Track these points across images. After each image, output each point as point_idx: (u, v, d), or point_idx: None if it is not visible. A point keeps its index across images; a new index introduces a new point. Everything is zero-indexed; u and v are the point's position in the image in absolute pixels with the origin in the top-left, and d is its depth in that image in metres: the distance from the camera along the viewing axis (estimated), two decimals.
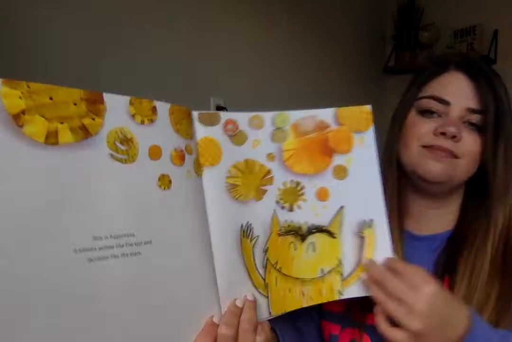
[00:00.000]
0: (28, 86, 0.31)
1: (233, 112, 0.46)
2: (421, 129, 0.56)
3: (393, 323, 0.44)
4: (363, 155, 0.48)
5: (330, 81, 2.08)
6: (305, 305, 0.47)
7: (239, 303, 0.45)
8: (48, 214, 0.32)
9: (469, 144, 0.54)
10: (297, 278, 0.47)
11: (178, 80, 1.41)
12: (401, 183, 0.62)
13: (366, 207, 0.47)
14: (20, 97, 0.31)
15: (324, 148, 0.47)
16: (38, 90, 0.32)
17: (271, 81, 1.76)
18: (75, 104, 0.34)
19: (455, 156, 0.55)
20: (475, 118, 0.55)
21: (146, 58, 1.32)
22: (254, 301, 0.46)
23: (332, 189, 0.47)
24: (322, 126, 0.47)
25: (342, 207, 0.47)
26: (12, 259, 0.29)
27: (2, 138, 0.29)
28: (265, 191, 0.46)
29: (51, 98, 0.33)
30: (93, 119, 0.35)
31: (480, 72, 0.56)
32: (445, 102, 0.56)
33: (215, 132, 0.44)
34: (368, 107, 0.49)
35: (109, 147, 0.36)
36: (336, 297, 0.47)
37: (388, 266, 0.46)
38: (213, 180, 0.44)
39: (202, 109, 0.45)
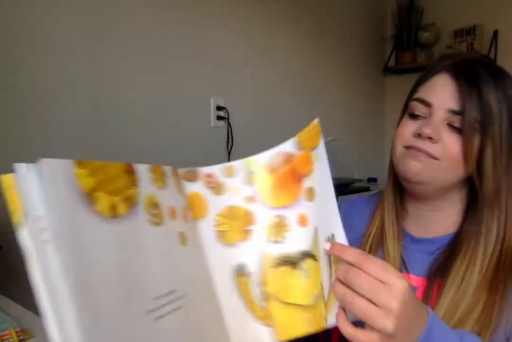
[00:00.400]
0: (92, 165, 0.34)
1: (209, 167, 0.49)
2: (405, 131, 0.57)
3: (355, 324, 0.40)
4: (321, 170, 0.48)
5: (330, 81, 2.08)
6: (309, 330, 0.46)
7: None
8: (121, 279, 0.35)
9: (449, 146, 0.54)
10: (298, 305, 0.47)
11: (178, 80, 1.41)
12: (400, 186, 0.62)
13: (329, 222, 0.48)
14: (87, 176, 0.34)
15: (294, 177, 0.48)
16: (99, 167, 0.35)
17: (271, 81, 1.76)
18: (121, 177, 0.38)
19: (434, 158, 0.54)
20: (458, 120, 0.54)
21: (146, 58, 1.32)
22: None
23: (308, 213, 0.48)
24: (289, 157, 0.48)
25: (316, 228, 0.48)
26: (96, 327, 0.31)
27: (80, 217, 0.32)
28: (251, 230, 0.49)
29: (107, 174, 0.36)
30: (132, 189, 0.39)
31: (467, 74, 0.55)
32: (427, 104, 0.56)
33: (198, 187, 0.49)
34: (316, 121, 0.47)
35: (146, 213, 0.39)
36: (324, 325, 0.44)
37: (354, 261, 0.40)
38: (204, 230, 0.48)
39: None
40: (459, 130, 0.54)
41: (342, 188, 1.58)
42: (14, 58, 1.05)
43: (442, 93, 0.55)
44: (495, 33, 2.09)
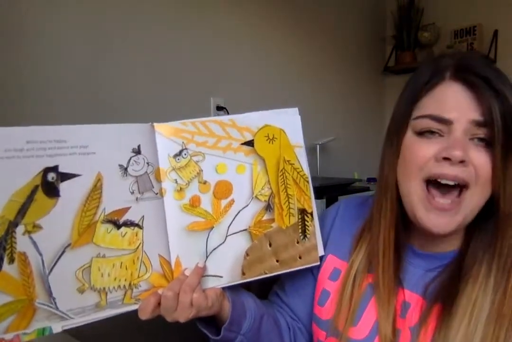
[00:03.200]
0: None
1: None
2: (421, 155, 0.48)
3: None
4: None
5: (330, 81, 2.08)
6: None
7: (187, 272, 0.50)
8: None
9: (481, 165, 0.46)
10: None
11: (178, 80, 1.41)
12: (398, 211, 0.55)
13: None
14: None
15: None
16: None
17: (271, 81, 1.76)
18: None
19: (465, 186, 0.47)
20: (483, 132, 0.46)
21: (146, 58, 1.32)
22: (201, 268, 0.51)
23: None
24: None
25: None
26: None
27: None
28: None
29: None
30: None
31: (480, 78, 0.46)
32: (447, 122, 0.47)
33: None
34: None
35: None
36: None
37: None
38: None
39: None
40: (485, 144, 0.46)
41: (342, 188, 1.58)
42: (14, 57, 1.05)
43: (459, 105, 0.47)
44: (495, 33, 2.09)
